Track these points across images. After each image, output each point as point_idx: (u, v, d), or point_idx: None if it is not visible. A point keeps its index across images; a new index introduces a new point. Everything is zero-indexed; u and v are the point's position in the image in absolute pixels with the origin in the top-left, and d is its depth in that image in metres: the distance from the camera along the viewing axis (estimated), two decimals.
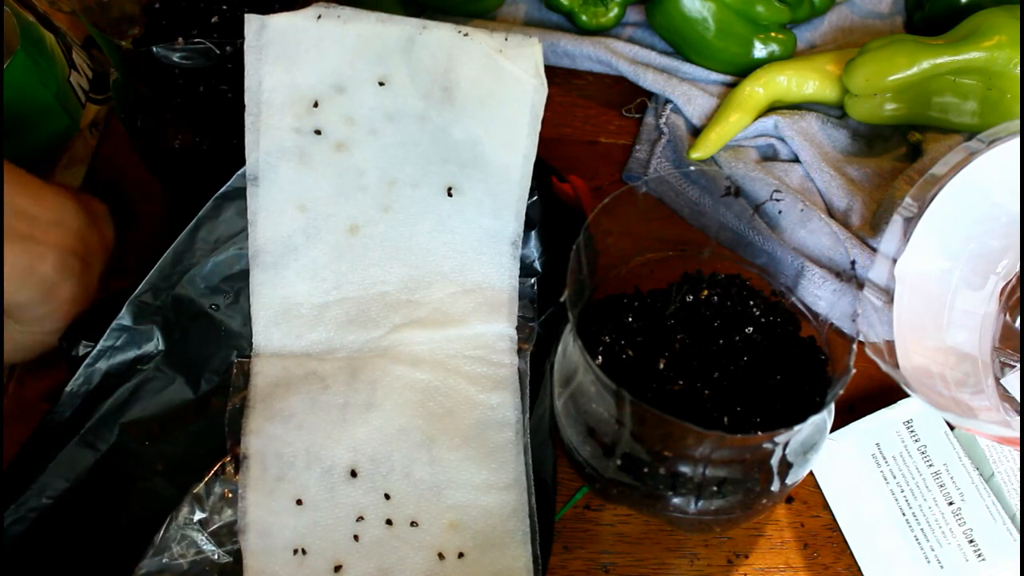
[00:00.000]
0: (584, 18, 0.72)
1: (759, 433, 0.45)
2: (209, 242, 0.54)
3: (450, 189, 0.55)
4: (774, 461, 0.45)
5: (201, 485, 0.51)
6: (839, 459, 0.54)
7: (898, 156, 0.67)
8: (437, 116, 0.53)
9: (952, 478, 0.52)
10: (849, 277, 0.50)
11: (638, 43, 0.72)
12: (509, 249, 0.55)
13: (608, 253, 0.52)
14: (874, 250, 0.59)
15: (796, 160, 0.66)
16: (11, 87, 0.59)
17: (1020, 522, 0.51)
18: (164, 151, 0.58)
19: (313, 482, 0.50)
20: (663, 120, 0.69)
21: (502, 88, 0.52)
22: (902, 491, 0.52)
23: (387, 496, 0.50)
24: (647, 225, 0.54)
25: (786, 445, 0.44)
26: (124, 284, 0.54)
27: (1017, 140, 0.54)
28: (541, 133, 0.53)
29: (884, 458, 0.53)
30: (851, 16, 0.75)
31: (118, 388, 0.52)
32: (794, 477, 0.46)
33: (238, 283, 0.55)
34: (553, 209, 0.57)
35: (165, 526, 0.49)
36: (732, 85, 0.70)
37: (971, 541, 0.50)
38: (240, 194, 0.54)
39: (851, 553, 0.52)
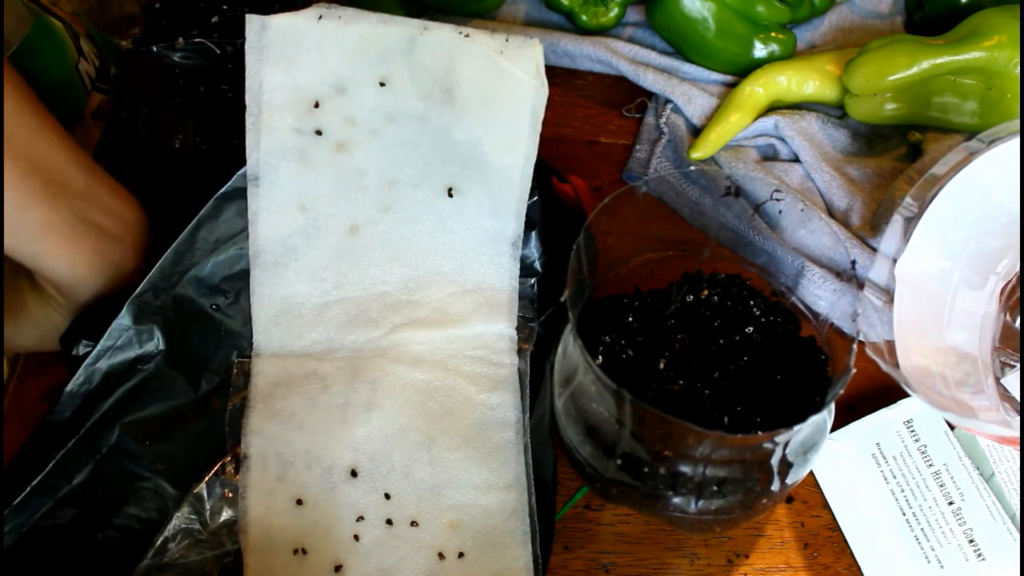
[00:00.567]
0: (584, 18, 0.72)
1: (759, 433, 0.45)
2: (209, 242, 0.54)
3: (450, 190, 0.55)
4: (774, 461, 0.45)
5: (201, 485, 0.51)
6: (839, 459, 0.54)
7: (898, 156, 0.67)
8: (438, 117, 0.53)
9: (952, 478, 0.52)
10: (849, 277, 0.50)
11: (638, 43, 0.72)
12: (509, 250, 0.55)
13: (608, 253, 0.52)
14: (874, 250, 0.59)
15: (796, 160, 0.66)
16: (21, 68, 0.60)
17: (1020, 522, 0.51)
18: (164, 151, 0.58)
19: (313, 482, 0.50)
20: (663, 120, 0.69)
21: (503, 89, 0.52)
22: (902, 491, 0.52)
23: (387, 496, 0.50)
24: (647, 225, 0.54)
25: (786, 445, 0.44)
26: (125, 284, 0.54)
27: (1017, 140, 0.54)
28: (541, 133, 0.53)
29: (884, 458, 0.53)
30: (851, 16, 0.75)
31: (118, 388, 0.52)
32: (794, 477, 0.46)
33: (238, 283, 0.55)
34: (553, 209, 0.57)
35: (165, 526, 0.49)
36: (732, 85, 0.70)
37: (971, 541, 0.50)
38: (240, 194, 0.54)
39: (851, 553, 0.52)
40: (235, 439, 0.52)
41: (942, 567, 0.50)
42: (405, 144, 0.54)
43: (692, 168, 0.65)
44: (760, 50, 0.69)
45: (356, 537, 0.49)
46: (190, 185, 0.55)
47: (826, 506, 0.54)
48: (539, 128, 0.53)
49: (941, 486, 0.52)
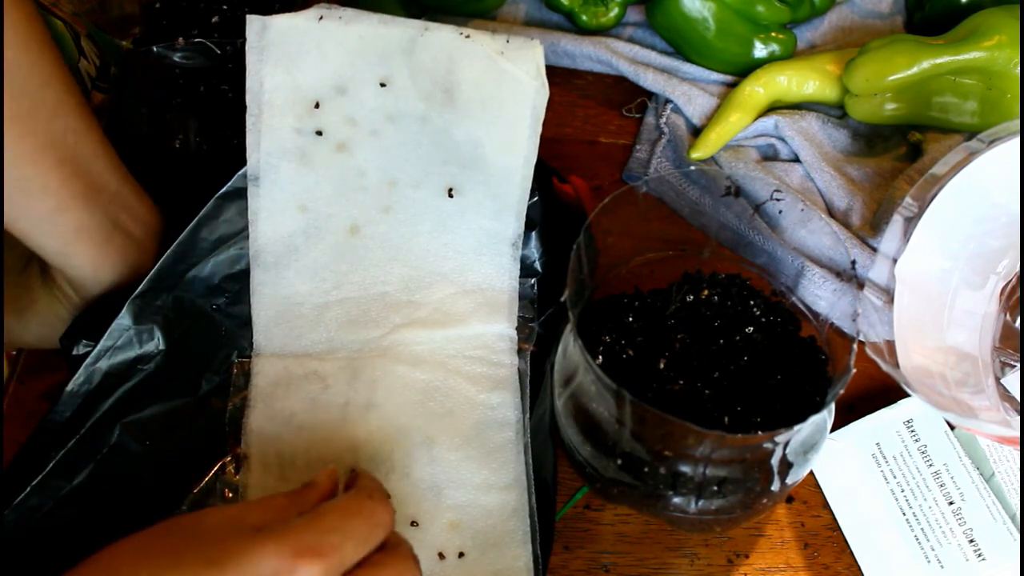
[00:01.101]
0: (584, 18, 0.72)
1: (759, 433, 0.45)
2: (210, 242, 0.54)
3: (451, 190, 0.55)
4: (774, 461, 0.45)
5: (201, 485, 0.51)
6: (839, 459, 0.54)
7: (898, 156, 0.67)
8: (438, 117, 0.53)
9: (952, 478, 0.52)
10: (849, 277, 0.50)
11: (638, 43, 0.72)
12: (509, 250, 0.55)
13: (608, 253, 0.52)
14: (874, 250, 0.59)
15: (796, 160, 0.66)
16: None
17: (1020, 522, 0.51)
18: (164, 151, 0.58)
19: None
20: (663, 120, 0.69)
21: (503, 90, 0.52)
22: (902, 491, 0.52)
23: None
24: (647, 225, 0.54)
25: (786, 445, 0.44)
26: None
27: (1017, 140, 0.54)
28: (541, 133, 0.53)
29: (884, 458, 0.54)
30: (851, 16, 0.75)
31: (118, 388, 0.52)
32: (794, 477, 0.46)
33: (238, 283, 0.55)
34: (554, 209, 0.57)
35: None
36: (732, 85, 0.70)
37: (971, 541, 0.50)
38: (241, 194, 0.54)
39: (851, 553, 0.52)
40: (235, 439, 0.52)
41: (942, 567, 0.50)
42: (405, 144, 0.54)
43: (692, 168, 0.65)
44: (760, 50, 0.69)
45: None
46: (190, 185, 0.55)
47: (826, 506, 0.54)
48: (539, 128, 0.53)
49: (941, 486, 0.52)
